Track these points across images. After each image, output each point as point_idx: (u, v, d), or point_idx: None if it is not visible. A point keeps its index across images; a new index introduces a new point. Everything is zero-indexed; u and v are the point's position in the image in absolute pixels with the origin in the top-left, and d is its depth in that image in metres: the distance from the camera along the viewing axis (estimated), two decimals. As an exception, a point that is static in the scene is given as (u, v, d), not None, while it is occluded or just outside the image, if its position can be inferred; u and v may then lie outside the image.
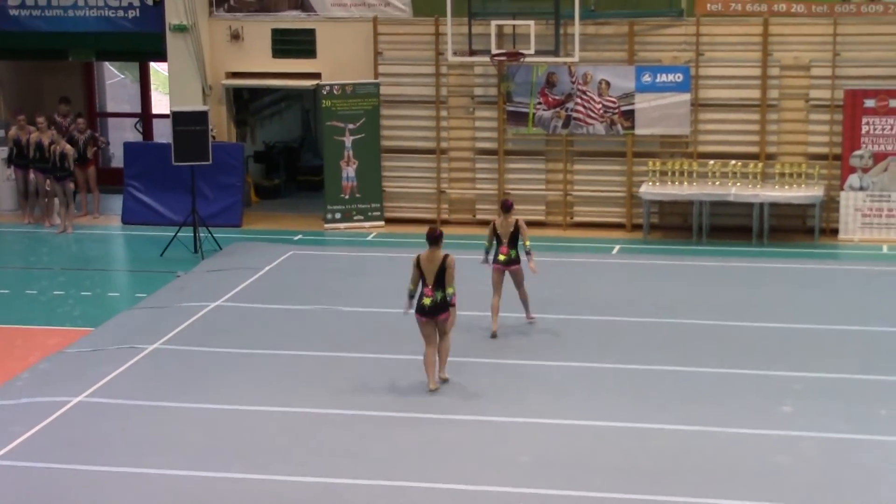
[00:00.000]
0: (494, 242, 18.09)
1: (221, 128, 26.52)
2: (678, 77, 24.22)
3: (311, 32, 25.82)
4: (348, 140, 25.29)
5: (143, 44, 27.32)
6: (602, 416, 14.89)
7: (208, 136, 23.51)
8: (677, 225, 24.79)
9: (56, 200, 25.55)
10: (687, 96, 24.26)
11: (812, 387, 15.77)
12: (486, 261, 18.19)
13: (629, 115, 24.51)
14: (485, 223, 25.17)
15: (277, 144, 29.41)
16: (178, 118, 23.33)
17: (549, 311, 18.78)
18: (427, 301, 15.72)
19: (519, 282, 18.19)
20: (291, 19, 25.88)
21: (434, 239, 15.87)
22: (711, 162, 24.30)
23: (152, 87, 31.71)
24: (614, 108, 24.53)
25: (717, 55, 24.32)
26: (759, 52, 24.08)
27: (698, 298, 19.70)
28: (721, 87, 24.38)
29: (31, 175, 25.83)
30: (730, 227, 24.33)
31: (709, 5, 24.17)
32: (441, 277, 15.67)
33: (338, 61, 25.67)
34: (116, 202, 26.80)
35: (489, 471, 13.47)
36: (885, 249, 23.32)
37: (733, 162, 24.18)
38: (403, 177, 25.78)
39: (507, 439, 14.30)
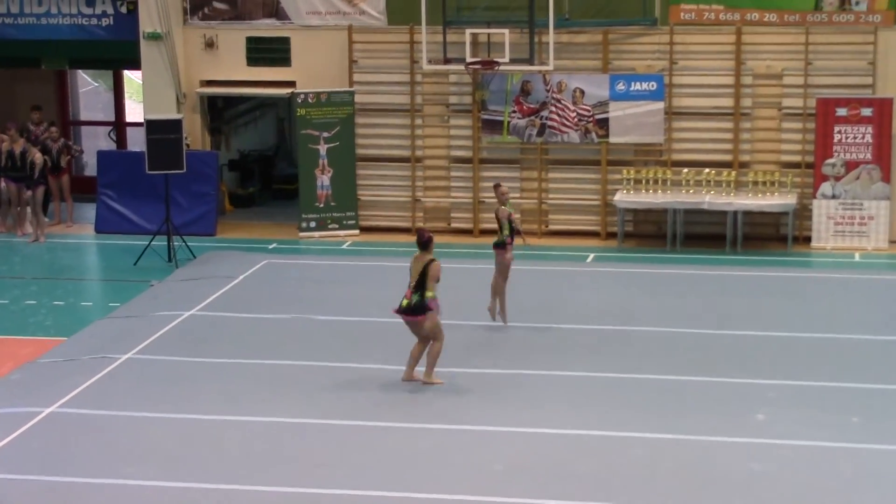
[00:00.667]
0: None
1: (196, 136, 26.48)
2: (652, 85, 24.29)
3: (286, 41, 25.81)
4: (323, 148, 25.28)
5: (116, 52, 27.28)
6: (577, 424, 14.90)
7: (182, 144, 23.45)
8: (651, 233, 24.84)
9: (28, 209, 25.45)
10: (661, 105, 24.33)
11: (786, 395, 15.82)
12: None
13: (603, 124, 24.56)
14: (459, 232, 25.36)
15: (252, 153, 29.38)
16: (151, 126, 23.28)
17: (523, 320, 18.79)
18: (404, 302, 15.95)
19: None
20: (266, 27, 25.87)
21: (424, 244, 15.98)
22: (685, 170, 24.38)
23: (126, 95, 31.63)
24: (588, 117, 24.59)
25: (690, 64, 24.41)
26: (733, 60, 24.17)
27: (672, 306, 19.75)
28: (694, 96, 24.46)
29: (3, 184, 25.73)
30: (704, 235, 24.41)
31: (682, 14, 24.25)
32: (422, 281, 15.75)
33: (312, 70, 25.67)
34: (90, 211, 26.72)
35: (465, 479, 13.46)
36: (857, 257, 23.42)
37: (707, 170, 24.26)
38: (378, 185, 25.78)
39: (482, 447, 14.29)
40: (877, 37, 23.63)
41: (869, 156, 23.75)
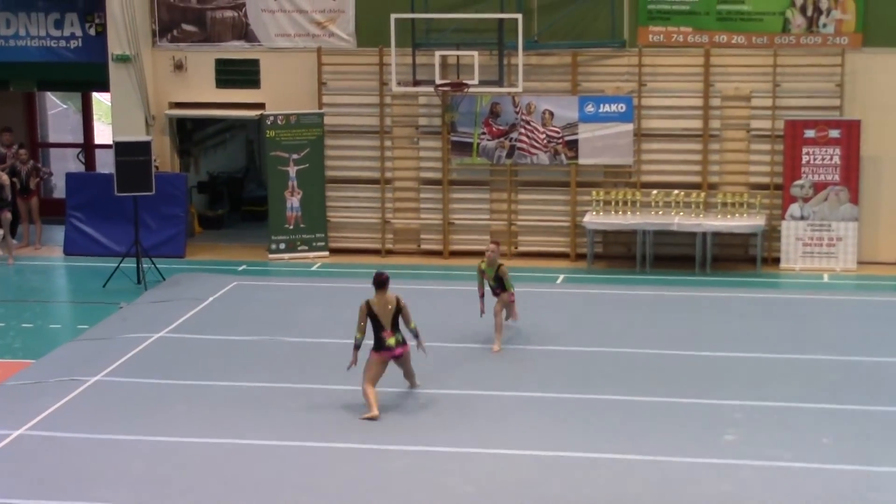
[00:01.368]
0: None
1: (165, 158, 26.42)
2: (621, 107, 24.37)
3: (255, 63, 25.80)
4: (292, 170, 25.27)
5: (85, 74, 27.22)
6: (546, 445, 14.91)
7: (151, 166, 23.41)
8: (621, 254, 24.89)
9: (-1, 231, 25.39)
10: (630, 126, 24.41)
11: (754, 415, 15.86)
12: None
13: (573, 145, 24.63)
14: (429, 253, 25.34)
15: (221, 175, 29.33)
16: (120, 148, 23.23)
17: (493, 341, 18.78)
18: (392, 341, 16.07)
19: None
20: (235, 49, 25.85)
21: (381, 283, 16.14)
22: (654, 192, 24.44)
23: (95, 117, 31.57)
24: (558, 138, 24.65)
25: (659, 86, 24.50)
26: (701, 82, 24.28)
27: (642, 327, 19.78)
28: (663, 118, 24.55)
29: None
30: (673, 256, 24.47)
31: (651, 36, 24.36)
32: (397, 320, 16.04)
33: (282, 91, 25.67)
34: (58, 233, 26.62)
35: (435, 501, 13.45)
36: (825, 278, 23.52)
37: (676, 192, 24.33)
38: (348, 207, 25.77)
39: (452, 469, 14.28)
40: (844, 59, 23.77)
41: (837, 177, 23.87)
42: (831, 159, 23.83)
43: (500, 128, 24.84)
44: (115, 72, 25.91)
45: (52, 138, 32.02)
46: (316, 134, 25.24)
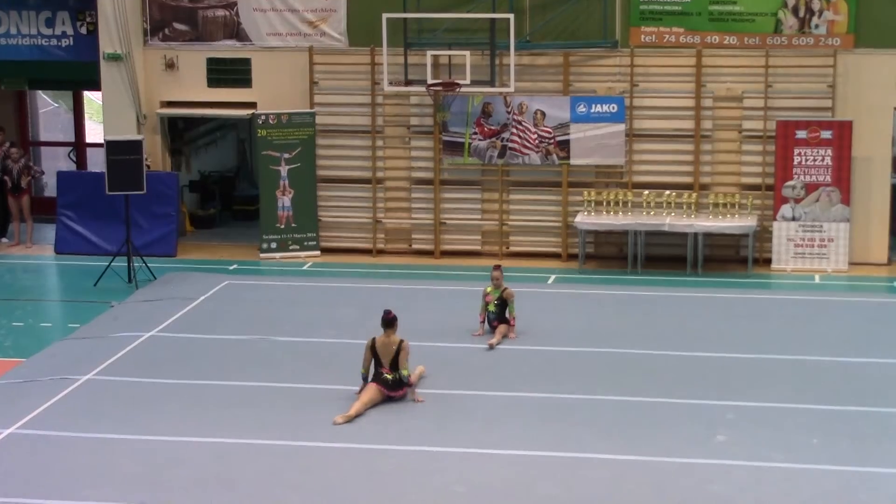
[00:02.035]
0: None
1: (156, 157, 26.40)
2: (613, 107, 24.38)
3: (247, 62, 25.78)
4: (284, 169, 25.25)
5: (76, 73, 27.18)
6: (537, 445, 14.90)
7: (143, 165, 23.39)
8: (612, 255, 24.90)
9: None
10: (622, 127, 24.42)
11: (745, 416, 15.86)
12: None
13: (564, 146, 24.64)
14: (420, 253, 25.35)
15: (213, 174, 29.32)
16: (112, 147, 23.21)
17: (483, 341, 18.78)
18: (389, 377, 16.20)
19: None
20: (227, 49, 25.83)
21: (389, 322, 16.33)
22: (646, 192, 24.45)
23: (86, 115, 31.51)
24: (549, 139, 24.65)
25: (651, 86, 24.51)
26: (693, 83, 24.29)
27: (633, 328, 19.78)
28: (655, 118, 24.56)
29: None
30: (664, 256, 24.48)
31: (643, 37, 24.37)
32: (396, 360, 16.18)
33: (273, 91, 25.66)
34: (49, 232, 26.58)
35: (426, 501, 13.44)
36: (817, 279, 23.54)
37: (668, 192, 24.34)
38: (339, 206, 25.75)
39: (442, 469, 14.27)
40: (836, 60, 23.80)
41: (828, 178, 23.90)
42: (823, 160, 23.85)
43: (492, 128, 24.84)
44: (106, 70, 25.88)
45: (44, 137, 31.97)
46: (307, 133, 25.22)
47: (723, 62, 24.24)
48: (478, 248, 25.30)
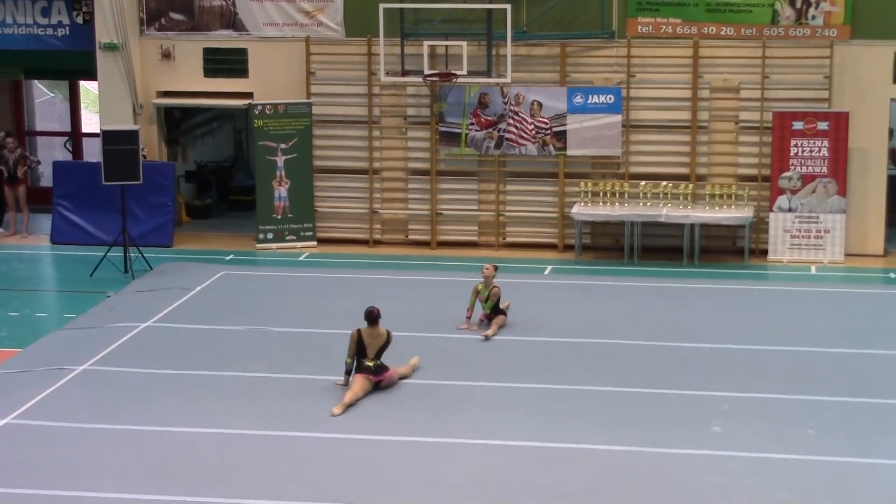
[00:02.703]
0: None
1: (152, 147, 26.38)
2: (609, 98, 24.37)
3: (243, 52, 25.76)
4: (280, 160, 25.23)
5: (72, 62, 27.17)
6: (534, 436, 14.90)
7: (139, 155, 23.35)
8: (609, 245, 24.91)
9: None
10: (618, 117, 24.42)
11: (741, 407, 15.88)
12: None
13: (561, 136, 24.63)
14: (417, 244, 25.34)
15: (209, 164, 29.29)
16: (108, 137, 23.17)
17: (479, 332, 18.78)
18: (371, 364, 16.35)
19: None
20: (223, 38, 25.80)
21: (373, 319, 16.50)
22: (643, 183, 24.45)
23: (82, 105, 31.49)
24: (546, 129, 24.64)
25: (647, 77, 24.50)
26: (690, 74, 24.28)
27: (629, 319, 19.78)
28: (652, 109, 24.55)
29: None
30: (661, 247, 24.49)
31: (640, 27, 24.36)
32: (382, 351, 16.43)
33: (270, 81, 25.63)
34: (45, 222, 26.57)
35: (422, 492, 13.45)
36: (813, 270, 23.55)
37: (664, 183, 24.34)
38: (336, 197, 25.75)
39: (440, 460, 14.28)
40: (833, 51, 23.79)
41: (825, 169, 23.90)
42: (819, 151, 23.86)
43: (489, 118, 24.83)
44: (102, 60, 25.85)
45: (39, 127, 31.93)
46: (304, 123, 25.20)
47: (719, 53, 24.23)
48: (474, 238, 25.30)
